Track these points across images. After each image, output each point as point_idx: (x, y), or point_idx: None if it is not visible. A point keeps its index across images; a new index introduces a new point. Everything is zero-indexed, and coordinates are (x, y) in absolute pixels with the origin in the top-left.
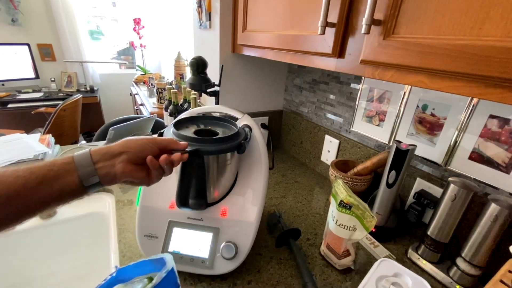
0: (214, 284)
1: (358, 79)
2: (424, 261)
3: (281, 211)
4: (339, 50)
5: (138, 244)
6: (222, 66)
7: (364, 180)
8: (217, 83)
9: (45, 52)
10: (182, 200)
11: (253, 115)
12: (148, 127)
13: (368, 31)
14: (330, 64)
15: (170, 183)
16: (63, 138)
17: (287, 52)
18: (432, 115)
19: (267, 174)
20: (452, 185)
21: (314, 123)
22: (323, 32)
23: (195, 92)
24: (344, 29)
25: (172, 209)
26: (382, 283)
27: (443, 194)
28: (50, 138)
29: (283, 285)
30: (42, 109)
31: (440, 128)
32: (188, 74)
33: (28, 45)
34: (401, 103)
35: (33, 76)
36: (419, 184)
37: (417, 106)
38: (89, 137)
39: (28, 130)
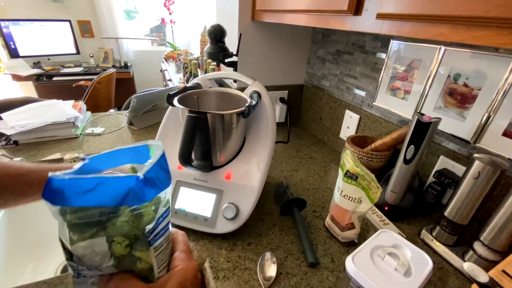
0: (215, 242)
1: (384, 47)
2: (438, 243)
3: (291, 183)
4: (356, 6)
5: None
6: (241, 34)
7: (381, 156)
8: (235, 52)
9: (84, 29)
10: (184, 158)
11: (272, 88)
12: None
13: None
14: (346, 23)
15: (178, 147)
16: (98, 109)
17: (303, 13)
18: (465, 85)
19: (273, 144)
20: (476, 162)
21: (335, 97)
22: None
23: (214, 63)
24: None
25: (180, 169)
26: (377, 252)
27: (466, 171)
28: (82, 104)
29: (282, 250)
30: (81, 82)
31: (472, 101)
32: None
33: (69, 21)
34: (431, 72)
35: (74, 51)
36: (442, 162)
37: (448, 76)
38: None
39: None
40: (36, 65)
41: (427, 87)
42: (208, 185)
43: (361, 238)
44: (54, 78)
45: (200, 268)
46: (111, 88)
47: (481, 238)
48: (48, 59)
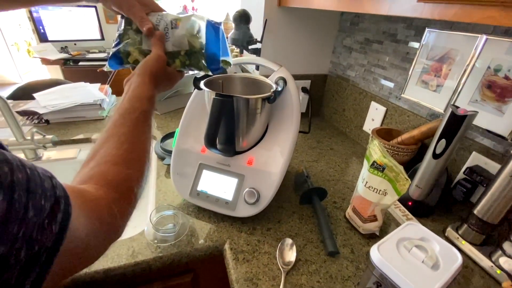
0: (235, 225)
1: (418, 35)
2: (464, 242)
3: (311, 173)
4: None
5: (172, 180)
6: (266, 20)
7: (408, 150)
8: (259, 39)
9: (109, 15)
10: (209, 140)
11: (294, 78)
12: (189, 84)
13: None
14: (382, 6)
15: (202, 131)
16: (122, 93)
17: None
18: (506, 77)
19: (296, 133)
20: None
21: (360, 88)
22: None
23: (237, 50)
24: None
25: (203, 153)
26: (404, 243)
27: (502, 168)
28: (107, 88)
29: (301, 237)
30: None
31: None
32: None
33: (95, 7)
34: (469, 63)
35: (99, 37)
36: (474, 159)
37: (488, 67)
38: None
39: None
40: (64, 49)
41: (464, 79)
42: (230, 169)
43: (383, 232)
44: (80, 63)
45: (221, 249)
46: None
47: None
48: (75, 44)
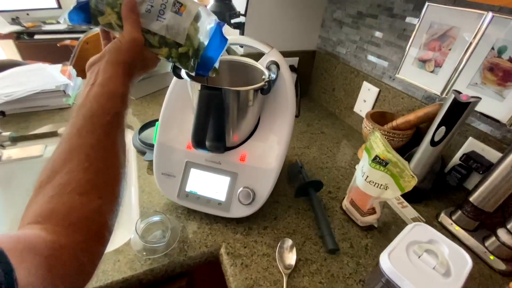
0: (230, 226)
1: (417, 10)
2: (457, 227)
3: (304, 161)
4: None
5: (156, 181)
6: None
7: (403, 136)
8: (242, 12)
9: None
10: (198, 140)
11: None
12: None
13: None
14: None
15: (186, 124)
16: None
17: None
18: (510, 60)
19: (293, 120)
20: None
21: (351, 66)
22: None
23: None
24: None
25: (190, 150)
26: (414, 248)
27: (503, 158)
28: (71, 69)
29: (299, 234)
30: (67, 41)
31: None
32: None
33: None
34: (471, 43)
35: (55, 6)
36: (471, 144)
37: (492, 49)
38: None
39: (55, 63)
40: (15, 21)
41: (464, 60)
42: (221, 167)
43: (379, 222)
44: (36, 36)
45: (216, 254)
46: (100, 48)
47: (508, 226)
48: (27, 14)
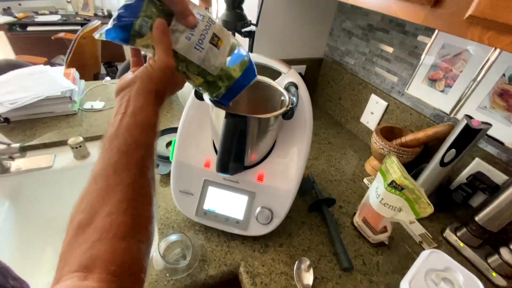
0: (247, 243)
1: (429, 30)
2: (462, 244)
3: (314, 174)
4: None
5: (173, 199)
6: (262, 0)
7: (412, 153)
8: (254, 21)
9: None
10: (223, 166)
11: (289, 62)
12: None
13: None
14: (418, 14)
15: (204, 142)
16: (85, 68)
17: None
18: None
19: (310, 140)
20: None
21: (359, 78)
22: None
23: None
24: None
25: (207, 168)
26: (432, 277)
27: (510, 181)
28: (75, 72)
29: (314, 251)
30: (61, 34)
31: None
32: (215, 6)
33: None
34: (482, 67)
35: None
36: (477, 165)
37: (503, 75)
38: (110, 67)
39: (51, 57)
40: (6, 11)
41: (475, 83)
42: (239, 186)
43: (389, 239)
44: (29, 28)
45: (236, 272)
46: (97, 43)
47: (511, 246)
48: (19, 4)
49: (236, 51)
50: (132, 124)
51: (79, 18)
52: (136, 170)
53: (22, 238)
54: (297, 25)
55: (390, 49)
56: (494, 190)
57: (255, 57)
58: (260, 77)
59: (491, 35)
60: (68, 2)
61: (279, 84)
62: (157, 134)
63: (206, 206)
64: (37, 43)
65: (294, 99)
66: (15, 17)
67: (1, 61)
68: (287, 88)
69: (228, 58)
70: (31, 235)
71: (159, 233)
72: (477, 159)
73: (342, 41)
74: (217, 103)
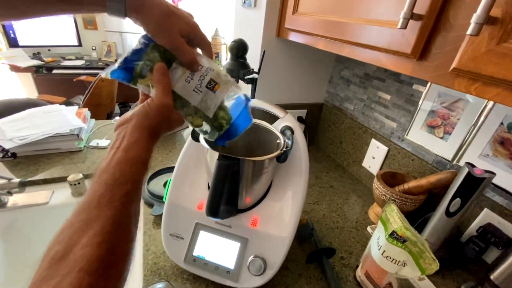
0: None
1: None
2: None
3: (314, 220)
4: (421, 51)
5: (163, 242)
6: (264, 51)
7: (416, 201)
8: (256, 69)
9: (88, 20)
10: (214, 209)
11: (290, 107)
12: None
13: (477, 32)
14: (406, 66)
15: (199, 182)
16: (100, 107)
17: (345, 44)
18: None
19: (306, 185)
20: None
21: (359, 123)
22: (404, 26)
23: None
24: (434, 25)
25: (200, 210)
26: None
27: None
28: (86, 112)
29: None
30: (83, 77)
31: None
32: (224, 53)
33: None
34: (480, 115)
35: (76, 43)
36: (486, 216)
37: (501, 124)
38: (124, 107)
39: (69, 97)
40: (36, 56)
41: (473, 132)
42: (232, 231)
43: None
44: (54, 71)
45: None
46: (114, 86)
47: None
48: (49, 50)
49: (233, 96)
50: (123, 159)
51: (101, 63)
52: (118, 204)
53: (9, 275)
54: (297, 73)
55: (387, 96)
56: (507, 244)
57: (255, 103)
58: (257, 121)
59: (477, 86)
60: (93, 49)
61: (275, 128)
62: (147, 170)
63: (196, 252)
64: (59, 84)
65: (289, 142)
66: (43, 61)
67: (22, 100)
68: (283, 132)
69: (226, 102)
70: (18, 272)
71: (144, 281)
72: (486, 209)
73: (341, 88)
74: (212, 144)
